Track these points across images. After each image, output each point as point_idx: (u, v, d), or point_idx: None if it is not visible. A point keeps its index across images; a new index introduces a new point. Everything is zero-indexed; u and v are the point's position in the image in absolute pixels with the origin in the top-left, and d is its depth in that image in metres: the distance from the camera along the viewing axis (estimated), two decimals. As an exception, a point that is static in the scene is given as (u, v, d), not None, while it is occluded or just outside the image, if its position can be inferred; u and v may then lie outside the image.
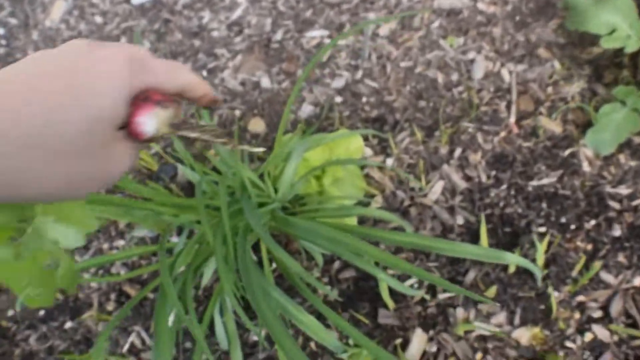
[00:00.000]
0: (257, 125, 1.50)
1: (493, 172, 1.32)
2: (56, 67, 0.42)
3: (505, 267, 1.20)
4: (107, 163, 0.45)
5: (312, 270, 1.27)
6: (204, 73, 1.67)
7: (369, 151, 1.40)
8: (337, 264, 1.27)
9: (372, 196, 1.33)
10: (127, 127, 0.46)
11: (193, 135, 0.50)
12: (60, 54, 0.43)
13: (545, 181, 1.30)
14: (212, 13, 1.82)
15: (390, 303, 1.18)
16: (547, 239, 1.19)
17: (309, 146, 1.21)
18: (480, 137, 1.38)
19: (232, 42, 1.72)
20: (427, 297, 1.20)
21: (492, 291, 1.18)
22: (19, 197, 0.42)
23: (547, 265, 1.19)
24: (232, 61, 1.67)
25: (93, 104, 0.42)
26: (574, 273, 1.18)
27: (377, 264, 1.03)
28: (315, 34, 1.67)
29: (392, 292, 1.20)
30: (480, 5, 1.61)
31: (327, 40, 1.64)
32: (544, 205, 1.27)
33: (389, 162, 1.38)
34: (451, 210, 1.29)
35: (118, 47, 0.45)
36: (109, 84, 0.43)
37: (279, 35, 1.69)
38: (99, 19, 1.91)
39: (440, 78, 1.49)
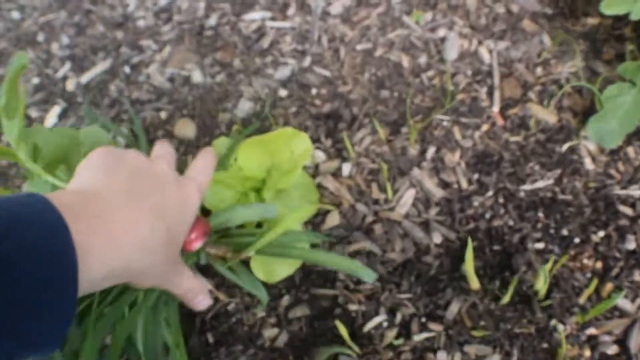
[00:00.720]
0: (185, 128, 1.23)
1: (475, 176, 1.06)
2: (171, 200, 0.62)
3: (496, 297, 0.94)
4: (173, 273, 0.66)
5: (253, 308, 1.00)
6: (127, 70, 1.39)
7: (321, 155, 1.13)
8: (286, 300, 1.00)
9: (327, 212, 1.05)
10: (184, 246, 0.72)
11: (214, 251, 0.83)
12: (165, 186, 0.63)
13: (540, 184, 1.03)
14: (139, 0, 1.54)
15: (355, 348, 0.91)
16: (547, 259, 0.93)
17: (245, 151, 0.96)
18: (457, 133, 1.11)
19: (159, 32, 1.45)
20: (399, 341, 0.93)
21: (481, 328, 0.91)
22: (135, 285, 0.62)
23: (548, 291, 0.93)
24: (159, 54, 1.40)
25: (186, 230, 0.66)
26: (582, 299, 0.92)
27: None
28: (256, 17, 1.39)
29: (356, 334, 0.94)
30: (450, -26, 1.34)
31: (269, 23, 1.37)
32: (541, 214, 1.00)
33: (346, 167, 1.10)
34: (425, 225, 1.02)
35: (194, 183, 0.69)
36: (193, 214, 0.67)
37: (213, 21, 1.42)
38: (16, 15, 1.67)
39: (406, 62, 1.22)
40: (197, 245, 0.74)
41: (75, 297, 0.45)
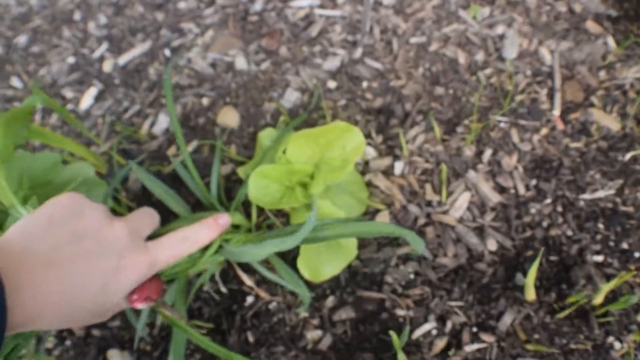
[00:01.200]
0: (228, 116, 1.21)
1: (533, 182, 1.03)
2: (102, 268, 0.65)
3: (552, 310, 0.91)
4: (102, 318, 0.69)
5: (296, 308, 0.98)
6: (168, 53, 1.37)
7: (371, 151, 1.10)
8: (330, 301, 0.98)
9: (377, 212, 1.03)
10: (127, 297, 0.72)
11: (166, 312, 0.79)
12: (100, 255, 0.66)
13: (600, 194, 1.00)
14: (180, -19, 1.52)
15: (402, 356, 0.88)
16: (607, 273, 0.91)
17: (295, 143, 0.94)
18: (515, 135, 1.08)
19: (201, 15, 1.43)
20: (451, 351, 0.91)
21: (535, 342, 0.88)
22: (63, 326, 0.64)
23: (605, 306, 0.90)
24: (201, 38, 1.38)
25: (113, 296, 0.67)
26: (642, 317, 0.89)
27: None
28: (303, 4, 1.37)
29: (407, 341, 0.92)
30: (509, -32, 1.31)
31: (317, 11, 1.34)
32: (600, 225, 0.97)
33: (399, 166, 1.08)
34: (480, 231, 1.00)
35: (150, 257, 0.71)
36: (129, 283, 0.68)
37: (258, 5, 1.40)
38: (51, -9, 1.64)
39: (462, 58, 1.19)
40: (139, 306, 0.74)
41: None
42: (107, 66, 1.41)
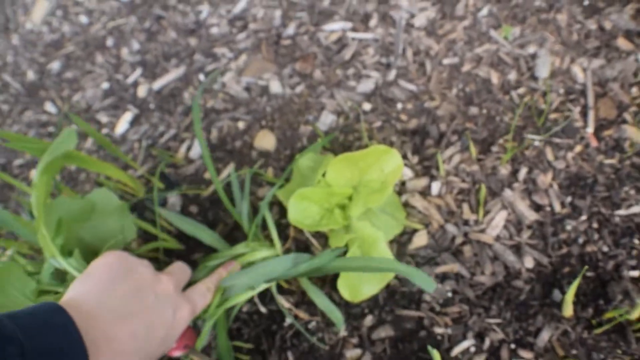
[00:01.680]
0: (265, 140, 1.26)
1: (569, 199, 1.07)
2: (161, 319, 0.77)
3: (590, 325, 0.95)
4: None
5: (335, 327, 1.02)
6: (202, 77, 1.43)
7: (408, 172, 1.15)
8: (369, 320, 1.02)
9: (414, 231, 1.08)
10: (169, 351, 0.86)
11: (197, 358, 0.91)
12: (160, 307, 0.78)
13: (635, 209, 1.03)
14: (212, 6, 1.59)
15: (442, 374, 0.93)
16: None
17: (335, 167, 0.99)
18: (550, 153, 1.12)
19: (234, 40, 1.48)
20: (491, 367, 0.95)
21: (573, 357, 0.92)
22: None
23: (644, 322, 0.94)
24: (235, 62, 1.44)
25: (171, 344, 0.80)
26: (683, 331, 0.93)
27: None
28: (336, 27, 1.42)
29: (443, 359, 0.96)
30: (539, -13, 1.35)
31: (350, 34, 1.39)
32: (636, 241, 1.01)
33: (436, 186, 1.12)
34: (517, 249, 1.04)
35: (190, 305, 0.84)
36: (180, 331, 0.81)
37: (290, 30, 1.45)
38: (84, 19, 1.73)
39: (495, 78, 1.23)
40: (177, 354, 0.90)
41: None
42: (141, 91, 1.47)
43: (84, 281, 0.75)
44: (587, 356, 0.92)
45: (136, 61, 1.55)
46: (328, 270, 0.92)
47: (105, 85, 1.53)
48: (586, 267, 1.00)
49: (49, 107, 1.55)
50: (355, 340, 1.01)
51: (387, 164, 0.98)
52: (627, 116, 1.13)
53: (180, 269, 0.92)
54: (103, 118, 1.45)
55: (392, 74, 1.30)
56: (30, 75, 1.65)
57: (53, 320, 0.61)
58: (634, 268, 0.98)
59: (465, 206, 1.09)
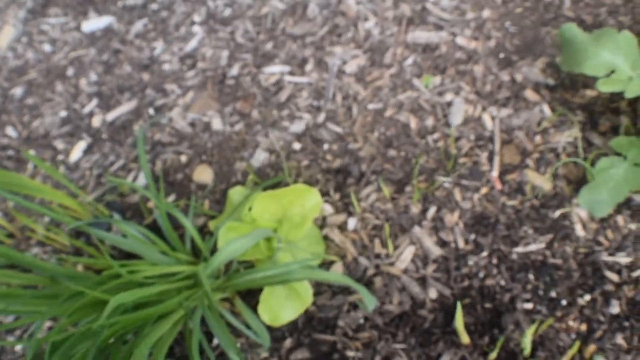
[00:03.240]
0: (204, 174, 1.31)
1: (472, 236, 1.13)
2: None
3: (485, 352, 1.01)
4: None
5: (257, 348, 1.08)
6: (151, 111, 1.48)
7: (329, 208, 1.21)
8: (288, 342, 1.08)
9: (331, 263, 1.14)
10: None
11: None
12: None
13: (532, 247, 1.11)
14: (166, 43, 1.64)
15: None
16: (534, 319, 1.01)
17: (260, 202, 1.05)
18: (457, 194, 1.19)
19: (183, 77, 1.54)
20: (392, 388, 1.01)
21: (469, 382, 0.99)
22: None
23: (533, 349, 1.00)
24: (182, 98, 1.49)
25: None
26: (566, 359, 0.99)
27: None
28: (275, 70, 1.49)
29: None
30: (460, 41, 1.43)
31: (287, 78, 1.46)
32: (531, 276, 1.08)
33: (352, 222, 1.19)
34: (422, 281, 1.10)
35: None
36: None
37: (235, 70, 1.51)
38: (47, 47, 1.77)
39: (414, 123, 1.30)
40: None
41: None
42: (96, 121, 1.51)
43: None
44: (482, 380, 0.98)
45: (93, 92, 1.59)
46: (293, 278, 0.96)
47: (63, 113, 1.57)
48: (459, 302, 1.06)
49: (10, 131, 1.57)
50: (274, 361, 1.06)
51: (308, 201, 1.05)
52: (529, 162, 1.20)
53: None
54: (59, 145, 1.49)
55: (321, 117, 1.36)
56: (-6, 100, 1.68)
57: None
58: (527, 301, 1.05)
59: (377, 241, 1.15)
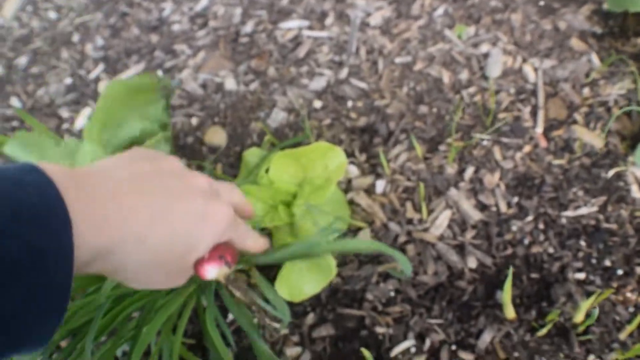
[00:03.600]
0: (216, 135, 1.19)
1: (515, 199, 1.00)
2: (188, 208, 0.55)
3: (532, 328, 0.88)
4: (180, 278, 0.60)
5: (276, 325, 0.96)
6: (160, 73, 1.36)
7: (354, 170, 1.09)
8: (310, 318, 0.96)
9: (358, 230, 1.01)
10: (196, 264, 0.61)
11: (237, 293, 0.71)
12: (188, 191, 0.56)
13: (583, 211, 0.98)
14: (175, 4, 1.53)
15: (380, 374, 0.87)
16: (588, 290, 0.88)
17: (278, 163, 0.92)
18: (498, 153, 1.06)
19: (194, 37, 1.42)
20: (429, 369, 0.88)
21: (516, 361, 0.86)
22: (129, 286, 0.56)
23: (588, 324, 0.87)
24: (193, 59, 1.37)
25: (197, 245, 0.56)
26: (623, 335, 0.86)
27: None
28: (293, 25, 1.36)
29: (382, 359, 0.89)
30: (495, -13, 1.29)
31: (306, 33, 1.33)
32: (583, 243, 0.95)
33: (380, 184, 1.06)
34: (460, 249, 0.97)
35: (227, 206, 0.60)
36: (212, 234, 0.57)
37: (249, 28, 1.39)
38: (52, 15, 1.67)
39: (446, 77, 1.17)
40: (210, 270, 0.62)
41: (72, 272, 0.42)
42: (102, 87, 1.41)
43: (97, 162, 0.55)
44: (529, 359, 0.86)
45: (99, 57, 1.49)
46: (317, 253, 0.82)
47: (68, 80, 1.47)
48: (511, 268, 0.93)
49: (14, 101, 1.48)
50: (295, 338, 0.95)
51: (331, 161, 0.92)
52: (577, 116, 1.07)
53: (228, 185, 0.66)
54: (64, 113, 1.39)
55: (344, 72, 1.24)
56: (-1, 70, 1.59)
57: (23, 179, 0.42)
58: (579, 270, 0.92)
59: (409, 205, 1.03)
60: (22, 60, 1.57)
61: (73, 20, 1.62)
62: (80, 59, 1.51)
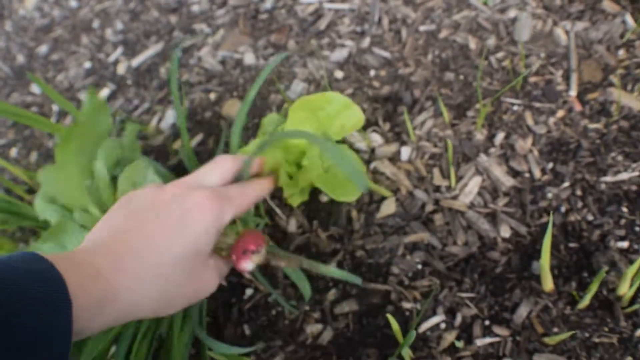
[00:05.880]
0: (233, 108, 1.11)
1: (550, 165, 0.90)
2: (163, 223, 0.55)
3: (572, 301, 0.78)
4: (199, 285, 0.58)
5: (297, 301, 0.87)
6: (179, 53, 1.28)
7: (378, 138, 0.98)
8: (332, 293, 0.86)
9: (383, 199, 0.91)
10: (235, 267, 0.64)
11: (279, 263, 0.69)
12: (159, 207, 0.58)
13: (624, 176, 0.86)
14: (195, -15, 1.44)
15: (407, 352, 0.76)
16: (632, 259, 0.77)
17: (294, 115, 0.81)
18: (529, 118, 0.95)
19: (213, 16, 1.34)
20: (460, 343, 0.78)
21: (555, 335, 0.75)
22: (130, 319, 0.53)
23: (633, 296, 0.76)
24: (212, 37, 1.29)
25: (194, 244, 0.55)
26: (673, 307, 0.75)
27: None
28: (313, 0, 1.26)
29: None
30: (521, -48, 1.18)
31: (327, 5, 1.23)
32: (624, 209, 0.83)
33: (405, 151, 0.96)
34: (492, 217, 0.87)
35: (202, 191, 0.59)
36: (205, 224, 0.56)
37: (268, 4, 1.29)
38: (73, 3, 1.60)
39: (473, 43, 1.06)
40: (244, 264, 0.65)
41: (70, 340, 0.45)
42: (120, 69, 1.33)
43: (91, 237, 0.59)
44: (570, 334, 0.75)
45: (118, 40, 1.41)
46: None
47: (87, 64, 1.40)
48: (550, 232, 0.82)
49: (35, 88, 1.42)
50: (317, 315, 0.85)
51: (349, 120, 0.81)
52: (613, 79, 0.96)
53: (207, 166, 0.68)
54: (83, 96, 1.32)
55: (366, 42, 1.13)
56: (20, 59, 1.52)
57: (30, 267, 0.46)
58: (622, 238, 0.81)
59: (436, 171, 0.92)
60: (43, 49, 1.51)
61: (93, 7, 1.55)
62: (99, 44, 1.43)
